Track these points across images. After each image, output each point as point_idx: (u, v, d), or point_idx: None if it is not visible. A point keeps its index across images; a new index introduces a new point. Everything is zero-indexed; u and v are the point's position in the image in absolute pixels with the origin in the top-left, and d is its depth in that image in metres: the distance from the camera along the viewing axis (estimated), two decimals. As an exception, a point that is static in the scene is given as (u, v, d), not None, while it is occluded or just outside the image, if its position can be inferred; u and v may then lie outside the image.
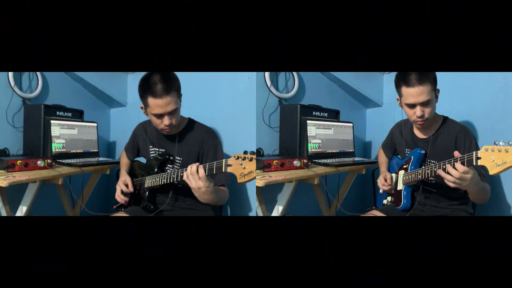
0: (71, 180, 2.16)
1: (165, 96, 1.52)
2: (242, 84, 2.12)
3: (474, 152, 1.30)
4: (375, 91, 2.67)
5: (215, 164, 1.40)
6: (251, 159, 1.34)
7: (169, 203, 1.70)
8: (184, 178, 1.45)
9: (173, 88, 1.55)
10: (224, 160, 1.38)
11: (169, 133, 1.67)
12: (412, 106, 1.58)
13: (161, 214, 1.69)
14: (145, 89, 1.55)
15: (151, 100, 1.54)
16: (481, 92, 2.00)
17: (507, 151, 1.22)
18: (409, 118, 1.65)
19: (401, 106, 1.66)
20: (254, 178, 1.35)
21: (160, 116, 1.57)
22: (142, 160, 1.84)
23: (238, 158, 1.35)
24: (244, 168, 1.34)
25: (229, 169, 1.36)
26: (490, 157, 1.25)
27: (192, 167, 1.43)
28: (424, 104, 1.56)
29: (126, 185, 1.73)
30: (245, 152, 1.36)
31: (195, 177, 1.42)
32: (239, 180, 1.35)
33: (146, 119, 1.78)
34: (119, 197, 1.73)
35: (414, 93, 1.55)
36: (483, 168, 1.28)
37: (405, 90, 1.57)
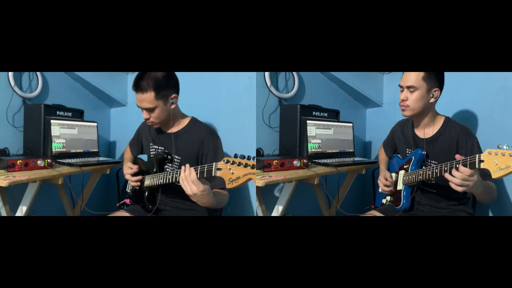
0: (71, 180, 2.16)
1: (139, 93, 1.59)
2: (242, 84, 2.12)
3: (477, 155, 1.30)
4: (375, 91, 2.67)
5: (206, 167, 1.38)
6: (239, 164, 1.29)
7: (168, 203, 1.70)
8: (181, 183, 1.43)
9: (150, 87, 1.57)
10: (214, 164, 1.35)
11: (163, 128, 1.69)
12: (401, 89, 1.65)
13: (160, 214, 1.69)
14: (134, 80, 1.62)
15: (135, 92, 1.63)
16: (481, 92, 2.00)
17: (511, 155, 1.21)
18: None
19: None
20: (242, 184, 1.30)
21: (140, 108, 1.64)
22: (144, 158, 1.85)
23: (227, 162, 1.31)
24: (232, 173, 1.30)
25: (218, 173, 1.33)
26: (493, 161, 1.24)
27: (185, 172, 1.41)
28: (409, 89, 1.62)
29: (131, 169, 1.73)
30: (236, 155, 1.32)
31: (188, 181, 1.40)
32: (227, 186, 1.31)
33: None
34: (132, 181, 1.72)
35: (404, 75, 1.64)
36: (487, 169, 1.27)
37: (403, 74, 1.66)
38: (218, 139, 1.70)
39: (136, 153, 1.88)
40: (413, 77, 1.61)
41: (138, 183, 1.71)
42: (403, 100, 1.64)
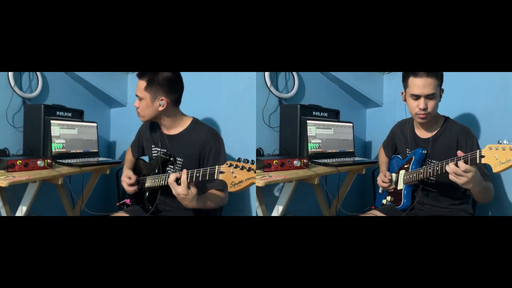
0: (71, 180, 2.16)
1: (138, 78, 1.65)
2: (242, 84, 2.12)
3: (477, 150, 1.31)
4: (375, 91, 2.67)
5: (208, 170, 1.38)
6: (242, 168, 1.29)
7: (168, 204, 1.70)
8: (168, 183, 1.47)
9: (144, 76, 1.63)
10: (217, 166, 1.36)
11: (140, 117, 1.71)
12: (416, 97, 1.59)
13: (160, 214, 1.69)
14: None
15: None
16: (481, 92, 2.00)
17: (511, 149, 1.22)
18: (411, 112, 1.65)
19: (405, 101, 1.67)
20: (245, 187, 1.30)
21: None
22: (146, 159, 1.85)
23: (230, 165, 1.32)
24: (235, 177, 1.30)
25: (221, 176, 1.33)
26: (494, 155, 1.26)
27: (171, 176, 1.46)
28: (428, 97, 1.58)
29: (130, 178, 1.73)
30: (239, 159, 1.32)
31: (173, 185, 1.45)
32: (229, 189, 1.32)
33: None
34: (128, 190, 1.72)
35: (421, 84, 1.57)
36: (486, 167, 1.28)
37: (412, 80, 1.59)
38: (221, 141, 1.69)
39: (137, 154, 1.87)
40: (431, 84, 1.56)
41: (135, 190, 1.72)
42: (424, 109, 1.58)
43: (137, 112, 1.69)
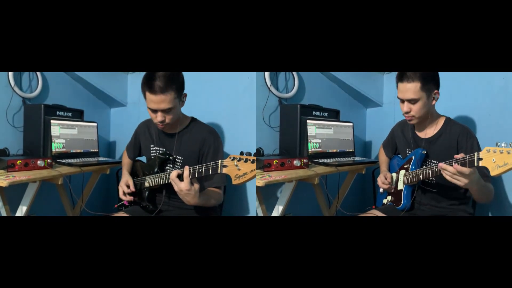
0: (71, 180, 2.16)
1: (160, 94, 1.53)
2: (242, 84, 2.12)
3: (475, 153, 1.30)
4: (375, 91, 2.67)
5: (211, 165, 1.41)
6: (246, 161, 1.33)
7: (168, 203, 1.70)
8: (170, 179, 1.48)
9: (170, 87, 1.54)
10: (220, 161, 1.38)
11: (164, 129, 1.68)
12: (402, 101, 1.64)
13: (160, 214, 1.69)
14: (145, 82, 1.57)
15: (147, 95, 1.57)
16: (481, 92, 2.00)
17: (509, 153, 1.22)
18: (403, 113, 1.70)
19: None
20: (249, 179, 1.34)
21: (154, 111, 1.59)
22: (144, 159, 1.84)
23: (233, 159, 1.35)
24: (239, 169, 1.34)
25: (224, 170, 1.36)
26: (491, 158, 1.25)
27: (173, 173, 1.47)
28: (410, 101, 1.61)
29: (128, 186, 1.73)
30: (241, 153, 1.35)
31: (176, 181, 1.46)
32: (234, 182, 1.35)
33: (148, 118, 1.78)
34: (123, 198, 1.73)
35: (402, 88, 1.62)
36: (486, 168, 1.28)
37: (399, 85, 1.64)
38: (219, 140, 1.70)
39: (133, 156, 1.87)
40: (411, 90, 1.58)
41: (128, 200, 1.72)
42: (407, 112, 1.63)
43: (161, 125, 1.62)
